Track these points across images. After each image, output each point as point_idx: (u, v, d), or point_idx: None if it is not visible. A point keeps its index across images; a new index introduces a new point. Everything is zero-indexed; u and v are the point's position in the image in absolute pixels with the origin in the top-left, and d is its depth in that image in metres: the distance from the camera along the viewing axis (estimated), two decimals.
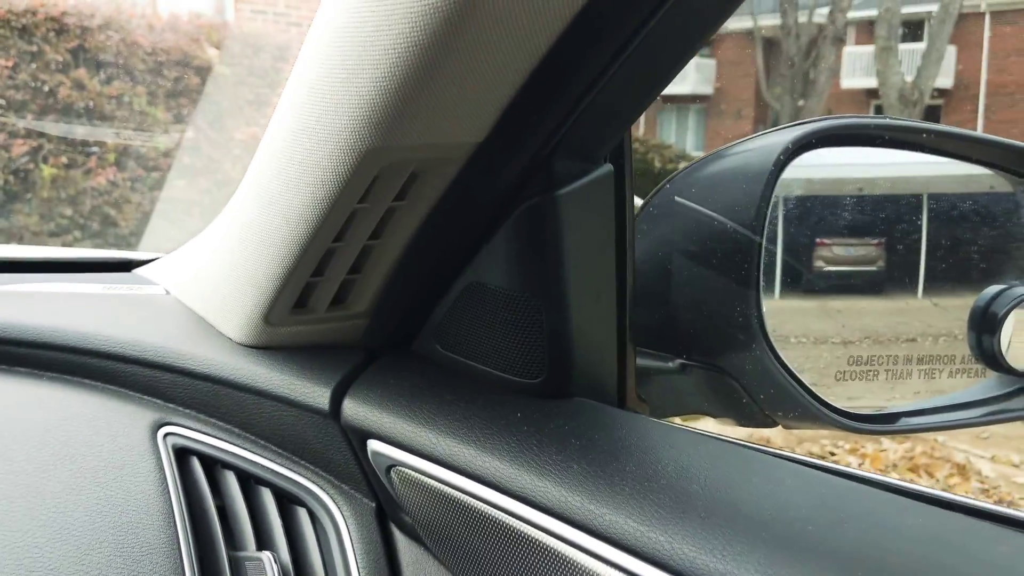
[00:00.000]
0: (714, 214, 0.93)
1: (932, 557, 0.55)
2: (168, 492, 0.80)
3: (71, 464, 0.79)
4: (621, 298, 0.81)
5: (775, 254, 1.04)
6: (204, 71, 5.94)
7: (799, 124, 0.92)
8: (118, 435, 0.83)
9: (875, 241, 1.14)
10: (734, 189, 0.92)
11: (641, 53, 0.65)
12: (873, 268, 1.12)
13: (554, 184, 0.73)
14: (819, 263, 1.09)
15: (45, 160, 5.45)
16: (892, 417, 0.99)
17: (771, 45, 17.81)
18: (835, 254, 1.09)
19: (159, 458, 0.82)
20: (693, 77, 21.94)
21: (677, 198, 0.95)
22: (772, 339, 0.94)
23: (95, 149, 5.61)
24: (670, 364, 0.96)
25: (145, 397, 0.89)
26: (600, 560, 0.62)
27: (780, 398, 0.94)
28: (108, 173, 5.62)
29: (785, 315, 1.08)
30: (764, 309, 0.94)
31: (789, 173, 1.06)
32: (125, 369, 0.89)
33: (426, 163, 0.71)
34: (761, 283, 0.93)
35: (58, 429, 0.82)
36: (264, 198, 0.79)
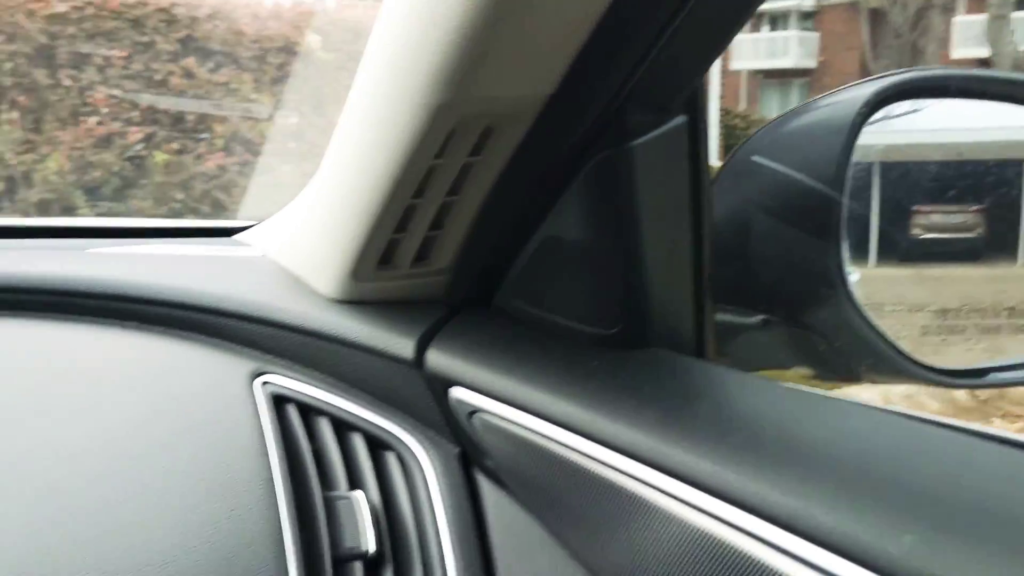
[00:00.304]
0: (792, 172, 0.93)
1: (1006, 494, 0.55)
2: (266, 435, 0.84)
3: (178, 409, 0.84)
4: (697, 250, 0.82)
5: (866, 217, 1.03)
6: (306, 57, 6.09)
7: (881, 77, 0.91)
8: (220, 383, 0.88)
9: (974, 208, 1.12)
10: (814, 144, 0.92)
11: None
12: (971, 235, 1.10)
13: (627, 136, 0.74)
14: (916, 231, 1.07)
15: (158, 147, 5.67)
16: (981, 372, 0.98)
17: (877, 16, 17.23)
18: (932, 221, 1.07)
19: (257, 404, 0.87)
20: (796, 51, 21.41)
21: (755, 157, 0.96)
22: (857, 297, 0.94)
23: (205, 136, 5.82)
24: (752, 320, 0.97)
25: (244, 349, 0.94)
26: (672, 498, 0.63)
27: (865, 352, 0.94)
28: (217, 158, 5.82)
29: (880, 283, 1.08)
30: (847, 264, 0.93)
31: (885, 139, 1.05)
32: (226, 323, 0.94)
33: (499, 117, 0.73)
34: (843, 237, 0.93)
35: (166, 377, 0.88)
36: (348, 159, 0.83)
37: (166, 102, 5.20)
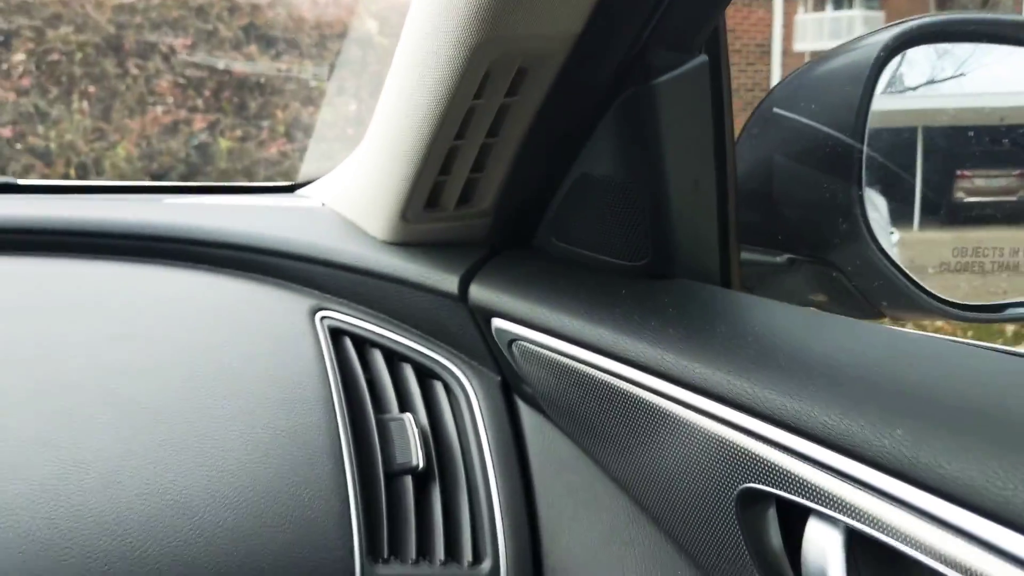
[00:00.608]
0: (813, 123, 0.97)
1: (990, 394, 0.59)
2: (325, 363, 0.92)
3: (245, 337, 0.93)
4: (722, 185, 0.87)
5: (910, 181, 1.07)
6: (364, 43, 6.18)
7: (898, 23, 0.95)
8: (283, 317, 0.97)
9: (1018, 171, 1.15)
10: (834, 91, 0.97)
11: None
12: (1014, 199, 1.13)
13: (651, 74, 0.80)
14: (959, 194, 1.10)
15: (222, 134, 5.80)
16: (999, 307, 1.01)
17: None
18: (976, 185, 1.10)
19: (317, 337, 0.95)
20: (860, 30, 20.98)
21: (776, 109, 1.01)
22: (879, 237, 0.98)
23: (266, 123, 5.94)
24: (778, 259, 1.02)
25: (304, 288, 1.02)
26: (691, 409, 0.69)
27: (886, 289, 0.98)
28: (279, 144, 5.94)
29: (924, 246, 1.11)
30: (871, 205, 0.98)
31: (930, 103, 1.09)
32: (287, 264, 1.02)
33: (532, 57, 0.80)
34: (864, 180, 0.97)
35: (234, 311, 0.96)
36: (395, 106, 0.90)
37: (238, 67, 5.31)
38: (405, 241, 1.00)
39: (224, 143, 5.76)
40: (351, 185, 1.09)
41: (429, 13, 0.79)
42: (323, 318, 0.98)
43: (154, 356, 0.88)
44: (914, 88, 1.08)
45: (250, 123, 5.87)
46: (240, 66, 5.71)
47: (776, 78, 11.93)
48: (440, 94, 0.82)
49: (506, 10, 0.73)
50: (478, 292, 0.93)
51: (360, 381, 0.94)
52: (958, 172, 1.10)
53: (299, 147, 5.92)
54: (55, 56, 5.39)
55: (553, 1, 0.73)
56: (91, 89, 5.54)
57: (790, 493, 0.60)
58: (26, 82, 5.37)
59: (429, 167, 0.90)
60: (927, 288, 0.98)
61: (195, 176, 5.74)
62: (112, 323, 0.91)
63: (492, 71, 0.80)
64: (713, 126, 0.84)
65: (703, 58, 0.82)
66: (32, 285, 0.94)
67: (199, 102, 5.74)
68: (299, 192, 1.30)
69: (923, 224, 1.09)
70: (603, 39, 0.78)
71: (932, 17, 0.96)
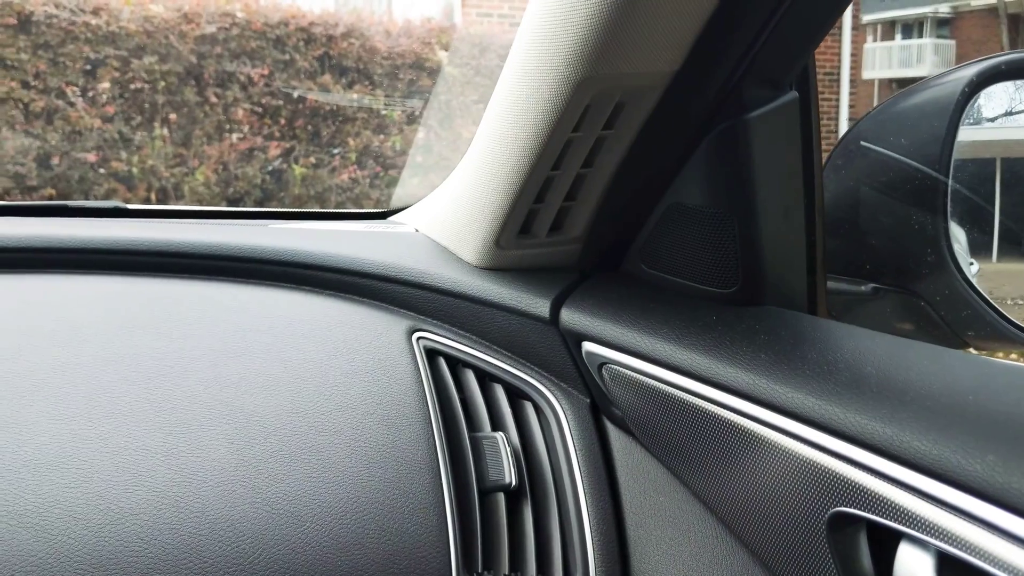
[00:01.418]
0: (899, 156, 0.99)
1: None
2: (422, 382, 0.96)
3: (347, 355, 0.97)
4: (810, 217, 0.89)
5: (989, 212, 1.07)
6: (435, 72, 6.27)
7: (984, 59, 0.97)
8: (381, 337, 1.01)
9: None
10: (919, 126, 0.98)
11: None
12: None
13: (744, 109, 0.83)
14: None
15: (296, 160, 5.93)
16: None
17: (1018, 21, 16.48)
18: None
19: (414, 356, 0.99)
20: (931, 59, 20.63)
21: (863, 143, 1.03)
22: (964, 268, 0.99)
23: (338, 150, 6.06)
24: (863, 288, 1.04)
25: (401, 310, 1.07)
26: (781, 432, 0.71)
27: (972, 319, 0.99)
28: (350, 171, 6.05)
29: (1003, 278, 1.12)
30: (958, 237, 0.99)
31: (1009, 134, 1.09)
32: (385, 287, 1.07)
33: (630, 92, 0.83)
34: (949, 212, 0.98)
35: (337, 330, 1.01)
36: (495, 137, 0.95)
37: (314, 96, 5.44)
38: (497, 267, 1.04)
39: (298, 169, 5.89)
40: (444, 212, 1.14)
41: (534, 50, 0.84)
42: (419, 339, 1.02)
43: (265, 372, 0.93)
44: (992, 119, 1.09)
45: (323, 150, 6.00)
46: (315, 95, 5.84)
47: (845, 106, 11.79)
48: (541, 127, 0.86)
49: (610, 49, 0.77)
50: (569, 316, 0.96)
51: (454, 400, 0.97)
52: None
53: (368, 174, 6.04)
54: (139, 84, 5.58)
55: (654, 41, 0.77)
56: (172, 116, 5.71)
57: (882, 517, 0.62)
58: (111, 109, 5.56)
59: (525, 196, 0.94)
60: (1013, 319, 0.99)
61: (269, 201, 5.88)
62: (226, 340, 0.96)
63: (592, 106, 0.84)
64: (802, 158, 0.87)
65: (794, 94, 0.85)
66: (152, 304, 1.00)
67: (275, 130, 5.88)
68: (392, 219, 1.36)
69: (1002, 255, 1.10)
70: (699, 76, 0.82)
71: (1017, 53, 0.97)
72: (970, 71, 0.95)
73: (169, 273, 1.07)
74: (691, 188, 0.90)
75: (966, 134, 1.01)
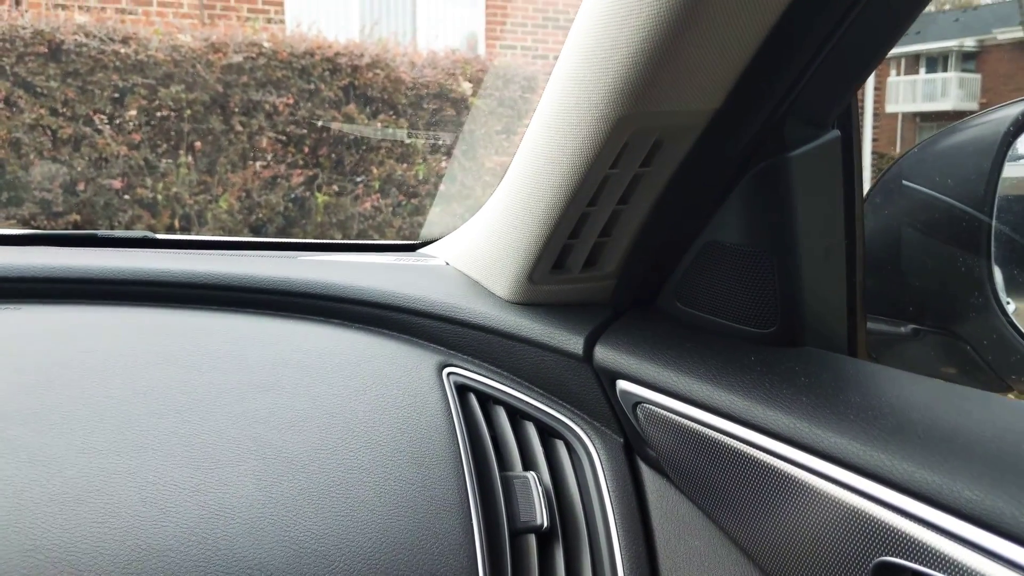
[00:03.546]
0: (942, 196, 0.98)
1: None
2: (452, 419, 0.95)
3: (376, 391, 0.96)
4: (851, 257, 0.88)
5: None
6: (459, 103, 6.32)
7: None
8: (411, 372, 1.00)
9: None
10: (962, 165, 0.97)
11: (864, 17, 0.73)
12: None
13: (785, 148, 0.81)
14: None
15: (319, 188, 5.97)
16: None
17: None
18: None
19: (444, 392, 0.98)
20: (955, 93, 20.65)
21: (905, 182, 1.01)
22: (1007, 308, 0.97)
23: (361, 179, 6.10)
24: (903, 329, 1.02)
25: (431, 344, 1.05)
26: (824, 478, 0.69)
27: (1017, 362, 0.97)
28: (373, 200, 6.08)
29: None
30: (997, 278, 0.97)
31: None
32: (416, 321, 1.06)
33: (669, 130, 0.82)
34: (993, 253, 0.97)
35: (366, 364, 0.99)
36: (530, 172, 0.94)
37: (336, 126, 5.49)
38: (530, 301, 1.02)
39: (321, 197, 5.93)
40: (475, 246, 1.12)
41: (573, 86, 0.83)
42: (449, 374, 1.01)
43: (294, 407, 0.91)
44: None
45: (346, 178, 6.04)
46: (339, 125, 5.88)
47: (868, 139, 11.78)
48: (579, 163, 0.84)
49: (651, 88, 0.76)
50: (603, 354, 0.94)
51: (485, 438, 0.96)
52: None
53: (391, 203, 6.07)
54: (165, 112, 5.64)
55: (697, 79, 0.76)
56: (197, 144, 5.77)
57: (929, 567, 0.60)
58: (137, 137, 5.62)
59: (560, 232, 0.93)
60: None
61: (291, 228, 5.92)
62: (255, 374, 0.95)
63: (630, 143, 0.83)
64: (844, 197, 0.85)
65: (836, 133, 0.83)
66: (182, 336, 0.99)
67: (299, 158, 5.93)
68: (421, 251, 1.35)
69: None
70: (741, 114, 0.80)
71: None
72: (1015, 110, 0.93)
73: (199, 305, 1.06)
74: (729, 226, 0.88)
75: (1007, 171, 0.99)
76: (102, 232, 1.31)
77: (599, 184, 0.87)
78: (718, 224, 0.89)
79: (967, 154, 0.96)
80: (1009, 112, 0.95)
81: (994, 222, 0.96)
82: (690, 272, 0.94)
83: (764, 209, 0.85)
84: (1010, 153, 0.99)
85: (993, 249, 0.96)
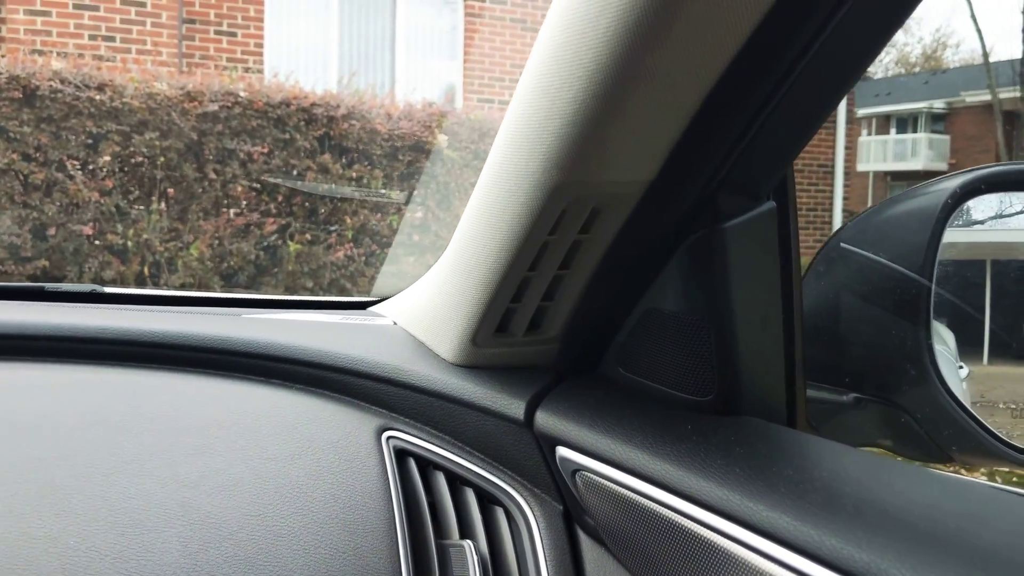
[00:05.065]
0: (881, 259, 0.99)
1: None
2: (389, 485, 0.93)
3: (312, 456, 0.94)
4: (788, 327, 0.88)
5: (979, 314, 1.07)
6: (434, 155, 6.36)
7: (967, 171, 0.97)
8: (350, 436, 0.98)
9: None
10: (903, 234, 0.98)
11: (798, 90, 0.74)
12: None
13: (720, 218, 0.82)
14: None
15: (292, 237, 5.96)
16: None
17: (1013, 118, 16.83)
18: None
19: (382, 457, 0.96)
20: (925, 153, 21.05)
21: (843, 244, 1.02)
22: (947, 380, 0.98)
23: (335, 228, 6.10)
24: (844, 398, 1.02)
25: (372, 407, 1.04)
26: (756, 552, 0.68)
27: (957, 434, 0.98)
28: (346, 248, 6.08)
29: (994, 381, 1.11)
30: (936, 349, 0.98)
31: (998, 236, 1.09)
32: (357, 382, 1.05)
33: (605, 199, 0.83)
34: (932, 323, 0.97)
35: (304, 427, 0.98)
36: (473, 236, 0.94)
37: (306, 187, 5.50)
38: (474, 364, 1.02)
39: (293, 246, 5.91)
40: (423, 306, 1.12)
41: (511, 153, 0.83)
42: (389, 438, 1.00)
43: (226, 471, 0.90)
44: (982, 222, 1.09)
45: (319, 227, 6.04)
46: (313, 183, 5.89)
47: (839, 198, 11.94)
48: (517, 229, 0.85)
49: (585, 158, 0.76)
50: (544, 419, 0.94)
51: (423, 505, 0.94)
52: None
53: (364, 252, 6.07)
54: (139, 159, 5.63)
55: (630, 151, 0.77)
56: (170, 191, 5.76)
57: None
58: (109, 183, 5.60)
59: (502, 295, 0.93)
60: (998, 434, 0.97)
61: (263, 276, 5.90)
62: (188, 436, 0.93)
63: (567, 210, 0.83)
64: (780, 267, 0.86)
65: (771, 204, 0.84)
66: (116, 395, 0.98)
67: (272, 206, 5.92)
68: (371, 310, 1.34)
69: (993, 358, 1.09)
70: (675, 185, 0.81)
71: (1001, 166, 0.98)
72: (954, 183, 0.95)
73: (139, 363, 1.05)
74: (668, 294, 0.89)
75: (956, 236, 1.00)
76: (50, 285, 1.30)
77: (539, 249, 0.88)
78: (657, 292, 0.90)
79: (907, 224, 0.98)
80: (948, 185, 0.96)
81: (934, 288, 0.97)
82: (632, 338, 0.94)
83: (700, 278, 0.85)
84: (959, 218, 1.01)
85: (933, 318, 0.97)
